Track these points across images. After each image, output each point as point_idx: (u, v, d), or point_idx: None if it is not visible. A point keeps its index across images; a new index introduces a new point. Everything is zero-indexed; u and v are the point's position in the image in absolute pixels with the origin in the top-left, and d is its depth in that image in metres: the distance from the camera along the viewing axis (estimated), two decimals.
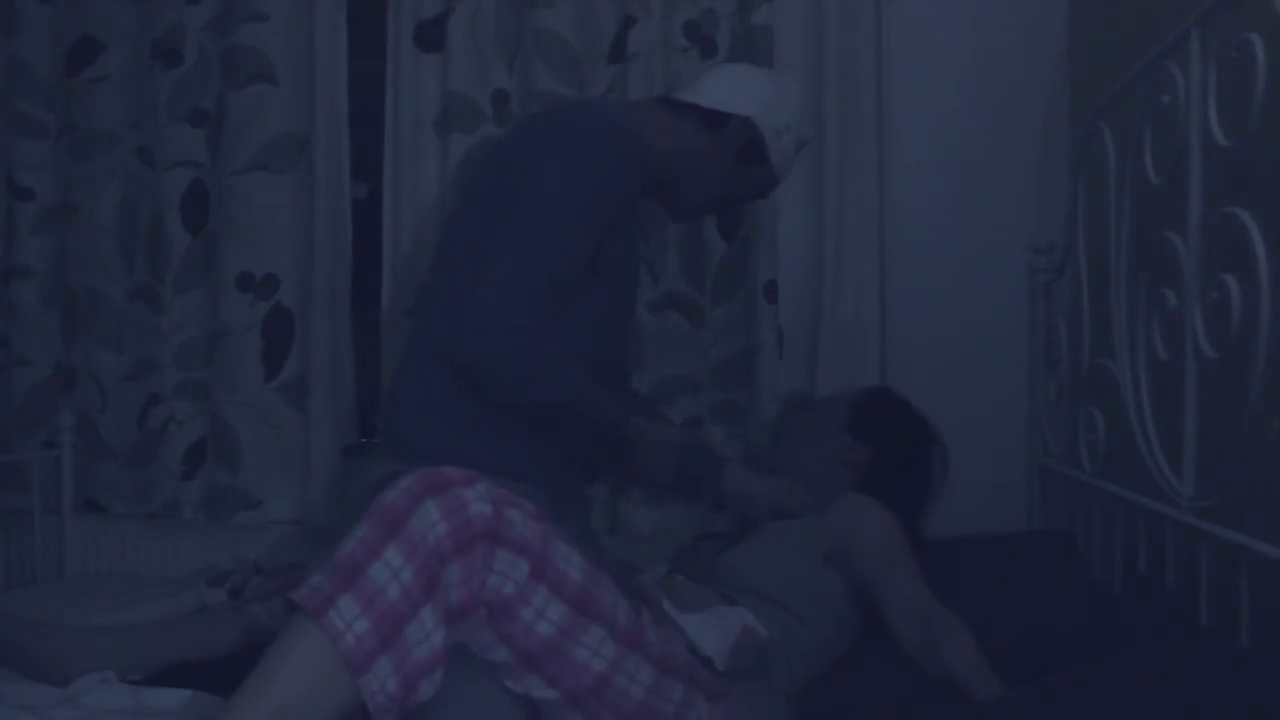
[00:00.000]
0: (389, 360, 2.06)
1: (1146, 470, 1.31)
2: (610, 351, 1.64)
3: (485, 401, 1.45)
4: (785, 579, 1.40)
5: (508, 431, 1.47)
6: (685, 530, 1.97)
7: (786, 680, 1.31)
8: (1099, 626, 1.22)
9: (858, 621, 1.42)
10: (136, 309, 2.15)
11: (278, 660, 0.97)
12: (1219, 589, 1.16)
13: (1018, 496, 1.94)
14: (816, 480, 1.60)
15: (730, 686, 1.21)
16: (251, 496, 2.09)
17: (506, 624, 1.03)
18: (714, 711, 1.17)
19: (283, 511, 2.10)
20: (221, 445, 2.08)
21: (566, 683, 1.07)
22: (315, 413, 2.07)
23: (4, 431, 2.19)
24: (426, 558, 0.98)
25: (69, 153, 2.16)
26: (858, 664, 1.34)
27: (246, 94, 2.07)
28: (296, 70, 2.09)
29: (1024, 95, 2.00)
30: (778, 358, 1.97)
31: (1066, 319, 1.79)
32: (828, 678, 1.33)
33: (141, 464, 2.14)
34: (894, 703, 1.18)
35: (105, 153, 2.15)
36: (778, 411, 1.86)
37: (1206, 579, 1.17)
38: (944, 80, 2.01)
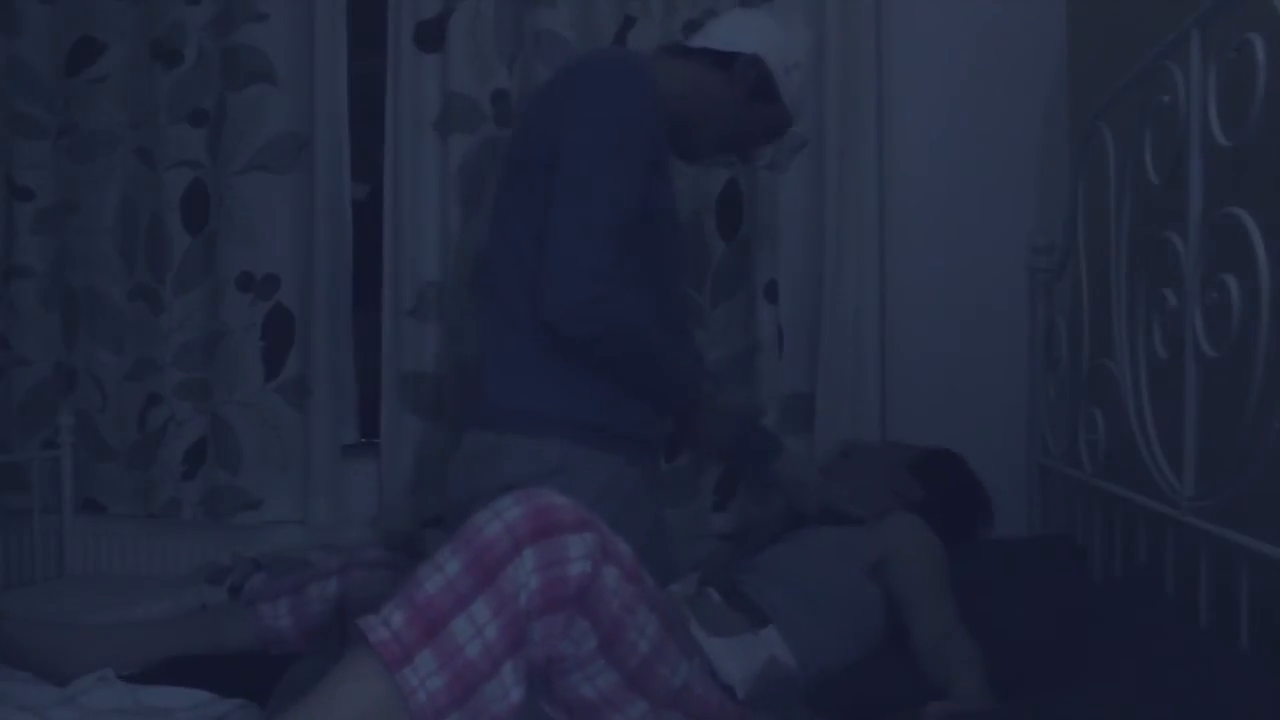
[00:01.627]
0: (389, 360, 2.06)
1: (1146, 470, 1.31)
2: (671, 307, 1.63)
3: (565, 357, 1.43)
4: (825, 580, 1.41)
5: (591, 388, 1.45)
6: (699, 529, 1.97)
7: (800, 680, 1.31)
8: (1100, 628, 1.22)
9: (882, 634, 1.42)
10: (136, 309, 2.15)
11: (341, 698, 0.90)
12: (1219, 589, 1.16)
13: (1018, 496, 1.94)
14: (865, 498, 1.61)
15: (751, 715, 1.21)
16: (251, 496, 2.09)
17: (555, 679, 1.02)
18: None
19: (283, 511, 2.11)
20: (221, 445, 2.08)
21: None
22: (315, 413, 2.07)
23: (4, 431, 2.19)
24: (515, 616, 0.93)
25: (69, 153, 2.16)
26: (871, 666, 1.34)
27: (246, 94, 2.07)
28: (296, 70, 2.09)
29: (1024, 95, 2.00)
30: (778, 358, 1.97)
31: (1066, 319, 1.79)
32: (839, 680, 1.33)
33: (141, 464, 2.14)
34: (905, 703, 1.18)
35: (105, 153, 2.15)
36: (840, 447, 1.84)
37: (1206, 579, 1.17)
38: (944, 80, 2.01)
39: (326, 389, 2.07)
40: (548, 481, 1.39)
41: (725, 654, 1.22)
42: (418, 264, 2.03)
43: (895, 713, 1.15)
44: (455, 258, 2.02)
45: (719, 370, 1.98)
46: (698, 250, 1.97)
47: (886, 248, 2.00)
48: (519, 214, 1.47)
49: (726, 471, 1.99)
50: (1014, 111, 2.00)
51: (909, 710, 1.11)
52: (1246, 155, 1.14)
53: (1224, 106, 1.14)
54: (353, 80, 2.11)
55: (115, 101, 2.15)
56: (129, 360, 2.16)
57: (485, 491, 1.40)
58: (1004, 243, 1.99)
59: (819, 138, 1.97)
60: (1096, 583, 1.47)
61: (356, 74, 2.12)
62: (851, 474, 1.66)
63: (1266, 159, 1.18)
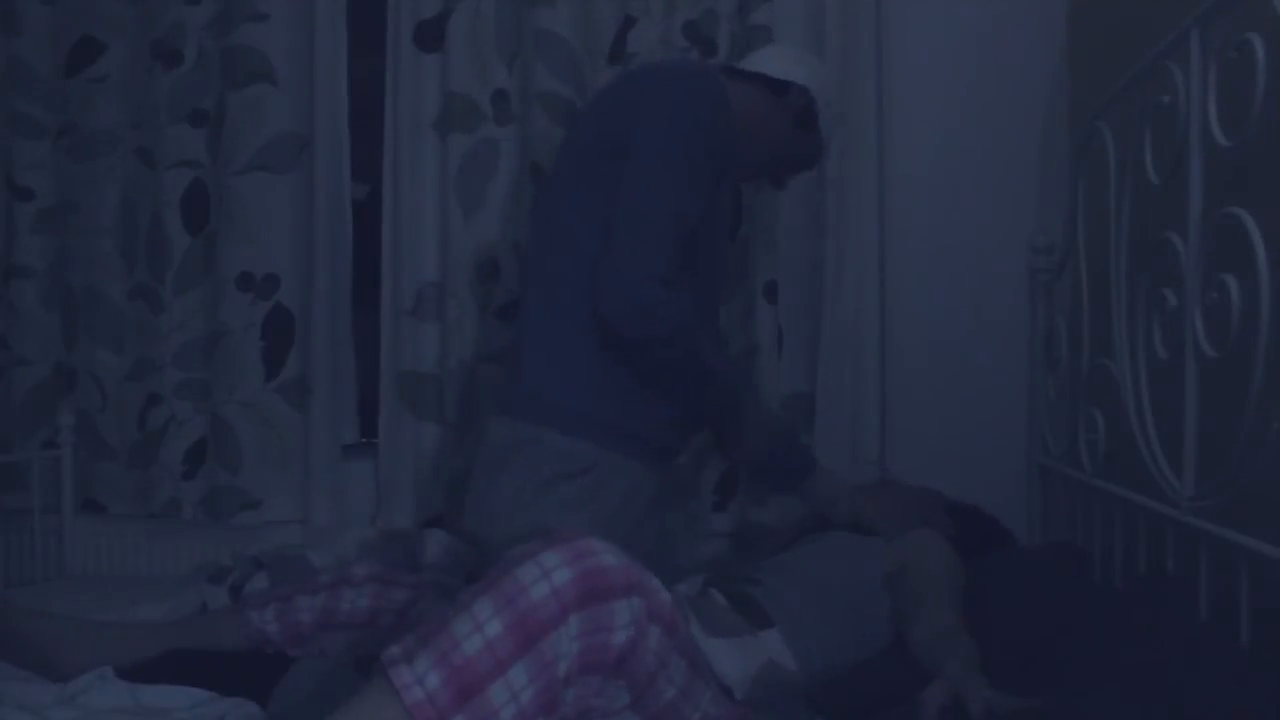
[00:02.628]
0: (389, 360, 2.06)
1: (1146, 470, 1.31)
2: (714, 312, 1.66)
3: (616, 357, 1.43)
4: (844, 583, 1.41)
5: (630, 392, 1.46)
6: (699, 528, 1.97)
7: (803, 681, 1.31)
8: (1100, 629, 1.22)
9: (886, 640, 1.42)
10: (136, 309, 2.15)
11: None
12: (1219, 589, 1.16)
13: (1018, 496, 1.93)
14: (896, 520, 1.61)
15: (752, 715, 1.21)
16: (251, 496, 2.09)
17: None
18: None
19: (282, 511, 2.11)
20: (221, 445, 2.08)
21: None
22: (315, 413, 2.07)
23: (4, 431, 2.19)
24: (552, 681, 0.91)
25: (69, 153, 2.16)
26: (872, 666, 1.34)
27: (246, 94, 2.07)
28: (296, 70, 2.09)
29: (1024, 95, 2.00)
30: (778, 358, 1.97)
31: (1066, 319, 1.79)
32: (841, 679, 1.33)
33: (141, 464, 2.14)
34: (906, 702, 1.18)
35: (105, 153, 2.15)
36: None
37: (1206, 579, 1.17)
38: (944, 80, 2.01)
39: (326, 389, 2.07)
40: (576, 482, 1.40)
41: (723, 655, 1.22)
42: (417, 264, 2.03)
43: (895, 708, 1.15)
44: (455, 258, 2.03)
45: None
46: None
47: (886, 248, 2.00)
48: (575, 203, 1.47)
49: (726, 471, 1.99)
50: (1014, 111, 2.00)
51: (908, 703, 1.11)
52: (1246, 155, 1.14)
53: (1224, 106, 1.14)
54: (353, 80, 2.11)
55: (115, 101, 2.15)
56: (129, 360, 2.16)
57: (512, 485, 1.43)
58: (1004, 243, 1.99)
59: None
60: (1100, 586, 1.47)
61: (356, 74, 2.12)
62: (887, 497, 1.66)
63: (1266, 159, 1.18)
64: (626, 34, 1.96)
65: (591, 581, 0.93)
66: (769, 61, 1.65)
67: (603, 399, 1.45)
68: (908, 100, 2.01)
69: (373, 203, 2.15)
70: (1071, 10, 1.97)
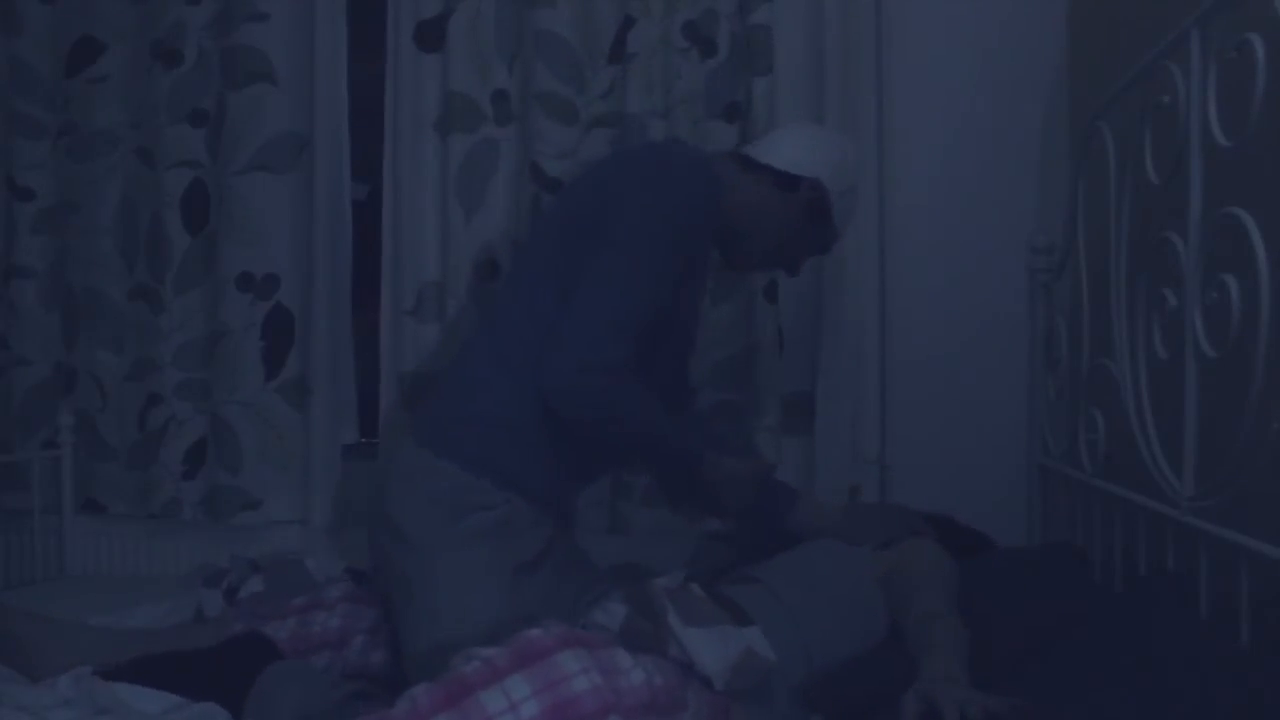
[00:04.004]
0: (389, 360, 2.06)
1: (1146, 470, 1.31)
2: (678, 379, 1.69)
3: (556, 425, 1.44)
4: (838, 576, 1.42)
5: (541, 452, 1.47)
6: (688, 528, 1.97)
7: (804, 674, 1.31)
8: (1100, 629, 1.22)
9: (882, 634, 1.42)
10: (136, 309, 2.15)
11: None
12: (1219, 589, 1.16)
13: (1018, 496, 1.93)
14: (881, 534, 1.61)
15: (735, 707, 1.21)
16: (251, 496, 2.09)
17: None
18: None
19: (283, 511, 2.11)
20: (222, 445, 2.08)
21: None
22: (315, 413, 2.07)
23: (4, 431, 2.19)
24: None
25: (69, 153, 2.16)
26: (869, 662, 1.34)
27: (246, 94, 2.07)
28: (296, 70, 2.09)
29: (1024, 95, 2.00)
30: (778, 358, 1.97)
31: (1066, 319, 1.78)
32: (837, 676, 1.33)
33: (141, 464, 2.14)
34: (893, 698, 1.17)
35: (105, 153, 2.15)
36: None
37: (1206, 579, 1.17)
38: (944, 80, 2.01)
39: (326, 389, 2.07)
40: (483, 515, 1.42)
41: (702, 643, 1.21)
42: (417, 264, 2.03)
43: (883, 709, 1.14)
44: (455, 258, 2.02)
45: (719, 370, 1.99)
46: None
47: (886, 247, 2.00)
48: (543, 267, 1.49)
49: None
50: (1014, 111, 2.00)
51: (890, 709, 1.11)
52: (1246, 155, 1.14)
53: (1224, 106, 1.14)
54: (353, 80, 2.11)
55: (115, 101, 2.15)
56: (129, 360, 2.16)
57: (420, 509, 1.43)
58: (1004, 243, 1.99)
59: None
60: (1099, 586, 1.47)
61: (356, 74, 2.12)
62: (866, 517, 1.67)
63: (1266, 159, 1.18)
64: (626, 34, 1.96)
65: (562, 713, 0.92)
66: (779, 150, 1.60)
67: (509, 450, 1.45)
68: (908, 100, 2.01)
69: (373, 203, 2.15)
70: (1071, 10, 1.97)
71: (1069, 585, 1.42)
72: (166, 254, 2.11)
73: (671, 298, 1.48)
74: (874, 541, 1.55)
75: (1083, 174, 1.66)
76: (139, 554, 2.18)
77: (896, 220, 2.00)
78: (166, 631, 1.55)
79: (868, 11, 1.98)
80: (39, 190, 2.18)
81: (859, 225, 1.97)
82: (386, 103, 2.06)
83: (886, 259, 2.00)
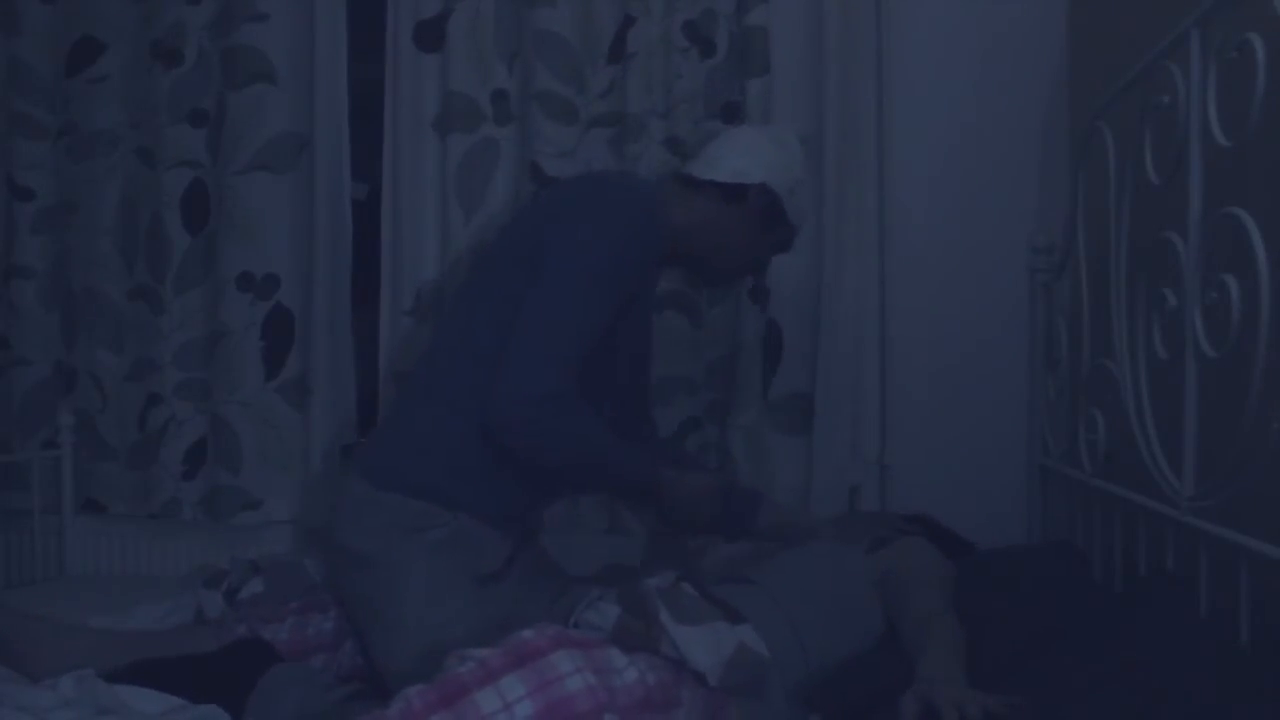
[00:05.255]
0: (389, 360, 2.06)
1: (1146, 470, 1.31)
2: (628, 403, 1.70)
3: (483, 451, 1.45)
4: (834, 575, 1.42)
5: (493, 480, 1.48)
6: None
7: (803, 673, 1.31)
8: (1099, 628, 1.22)
9: (879, 633, 1.42)
10: (136, 309, 2.15)
11: None
12: (1219, 589, 1.16)
13: (1018, 496, 1.94)
14: (857, 535, 1.61)
15: (730, 703, 1.21)
16: (251, 496, 2.09)
17: None
18: None
19: (283, 511, 2.11)
20: (221, 445, 2.08)
21: None
22: (315, 413, 2.07)
23: (4, 431, 2.19)
24: None
25: (69, 153, 2.16)
26: (868, 662, 1.34)
27: (246, 94, 2.07)
28: (296, 70, 2.09)
29: (1024, 95, 2.00)
30: (761, 358, 1.96)
31: (1066, 319, 1.78)
32: (836, 676, 1.33)
33: (141, 464, 2.14)
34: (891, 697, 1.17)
35: (105, 153, 2.15)
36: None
37: (1206, 579, 1.17)
38: (944, 80, 2.01)
39: (326, 389, 2.07)
40: (438, 531, 1.43)
41: (694, 640, 1.21)
42: (417, 264, 2.03)
43: (881, 708, 1.14)
44: (454, 258, 2.02)
45: (714, 371, 1.99)
46: None
47: (886, 248, 2.00)
48: (481, 300, 1.51)
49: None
50: (1014, 111, 2.00)
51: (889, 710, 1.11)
52: (1246, 155, 1.14)
53: (1224, 106, 1.14)
54: (353, 80, 2.10)
55: (115, 101, 2.15)
56: (129, 360, 2.16)
57: (376, 530, 1.45)
58: (1004, 243, 1.99)
59: (819, 137, 1.96)
60: (1099, 586, 1.47)
61: (356, 74, 2.12)
62: (844, 524, 1.67)
63: (1266, 159, 1.18)
64: (626, 33, 1.96)
65: (557, 713, 0.94)
66: (719, 163, 1.59)
67: (450, 478, 1.46)
68: (908, 100, 2.00)
69: (373, 203, 2.15)
70: (1071, 10, 1.97)
71: (1068, 585, 1.43)
72: (166, 254, 2.11)
73: (611, 329, 1.48)
74: (862, 539, 1.55)
75: (1083, 174, 1.66)
76: (139, 554, 2.18)
77: (896, 220, 2.00)
78: (167, 633, 1.56)
79: (867, 12, 1.98)
80: (39, 190, 2.18)
81: (859, 225, 1.97)
82: (386, 103, 2.06)
83: (886, 259, 2.00)
